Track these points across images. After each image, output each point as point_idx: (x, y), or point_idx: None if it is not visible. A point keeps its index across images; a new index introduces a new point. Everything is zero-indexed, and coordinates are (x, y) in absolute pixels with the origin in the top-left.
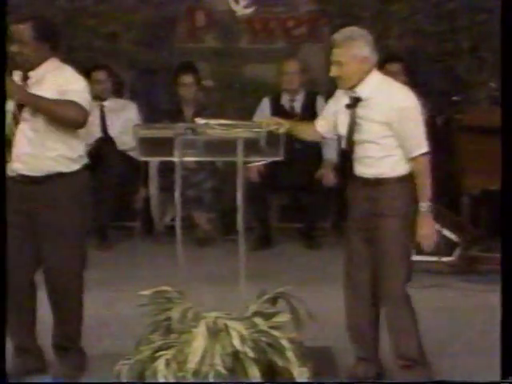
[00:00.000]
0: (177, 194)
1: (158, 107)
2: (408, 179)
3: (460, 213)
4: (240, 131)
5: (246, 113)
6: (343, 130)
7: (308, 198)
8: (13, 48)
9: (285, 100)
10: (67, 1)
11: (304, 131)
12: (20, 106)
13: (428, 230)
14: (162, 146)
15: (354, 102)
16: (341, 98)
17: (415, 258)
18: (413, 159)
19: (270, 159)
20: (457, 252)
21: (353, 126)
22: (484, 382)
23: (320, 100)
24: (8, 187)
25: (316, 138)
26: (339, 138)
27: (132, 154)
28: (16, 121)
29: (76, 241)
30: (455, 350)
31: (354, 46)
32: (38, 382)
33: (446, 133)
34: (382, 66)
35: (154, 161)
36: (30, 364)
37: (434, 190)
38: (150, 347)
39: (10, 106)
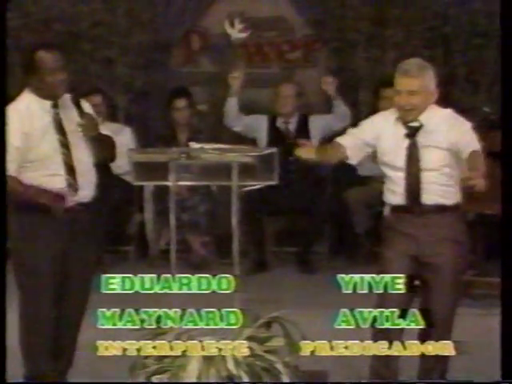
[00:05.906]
0: (172, 218)
1: (153, 131)
2: (461, 208)
3: None
4: (234, 156)
5: (241, 137)
6: (398, 158)
7: (303, 222)
8: None
9: (279, 122)
10: (63, 25)
11: (329, 156)
12: None
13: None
14: (157, 170)
15: (415, 131)
16: (379, 127)
17: None
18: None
19: (264, 183)
20: None
21: (416, 155)
22: (484, 382)
23: (312, 119)
24: None
25: (337, 161)
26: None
27: (126, 178)
28: None
29: None
30: None
31: (427, 77)
32: (38, 382)
33: None
34: (377, 91)
35: (148, 185)
36: None
37: None
38: (144, 371)
39: None
